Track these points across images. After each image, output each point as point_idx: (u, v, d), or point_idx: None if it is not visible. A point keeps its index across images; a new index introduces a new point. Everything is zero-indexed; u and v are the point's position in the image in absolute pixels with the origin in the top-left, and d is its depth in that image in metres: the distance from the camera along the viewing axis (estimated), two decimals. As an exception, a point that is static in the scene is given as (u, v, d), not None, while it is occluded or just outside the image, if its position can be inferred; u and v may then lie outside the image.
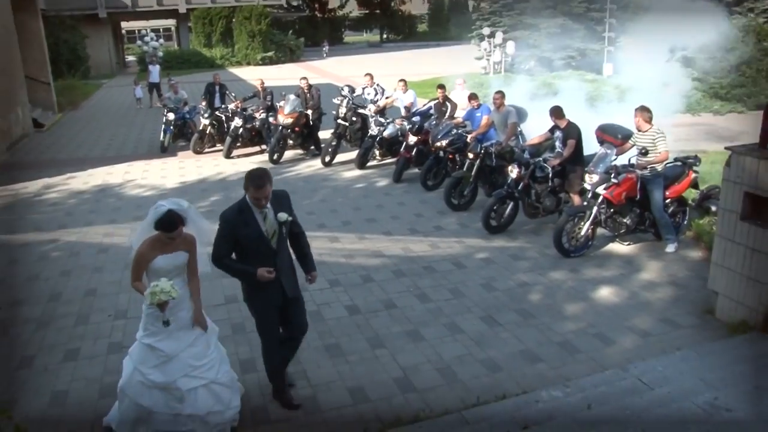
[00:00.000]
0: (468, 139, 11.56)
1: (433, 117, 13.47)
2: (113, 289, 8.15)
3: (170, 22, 59.13)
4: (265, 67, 40.65)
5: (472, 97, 12.44)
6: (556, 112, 9.64)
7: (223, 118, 16.17)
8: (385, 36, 68.43)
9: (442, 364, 6.03)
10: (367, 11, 68.88)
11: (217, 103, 16.82)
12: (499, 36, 30.88)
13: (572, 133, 9.47)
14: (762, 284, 6.04)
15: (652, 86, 17.11)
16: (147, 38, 40.34)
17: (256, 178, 4.76)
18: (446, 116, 13.17)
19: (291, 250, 5.24)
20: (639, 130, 8.82)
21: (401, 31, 68.58)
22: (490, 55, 31.97)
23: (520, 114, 11.87)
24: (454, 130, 12.12)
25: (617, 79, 23.21)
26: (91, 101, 29.04)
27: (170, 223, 4.66)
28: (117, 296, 7.92)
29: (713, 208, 9.55)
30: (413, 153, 12.99)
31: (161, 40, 43.99)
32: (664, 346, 6.10)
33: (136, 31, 63.89)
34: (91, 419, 5.36)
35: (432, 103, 13.78)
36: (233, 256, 5.00)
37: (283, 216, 4.91)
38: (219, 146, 16.36)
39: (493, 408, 4.98)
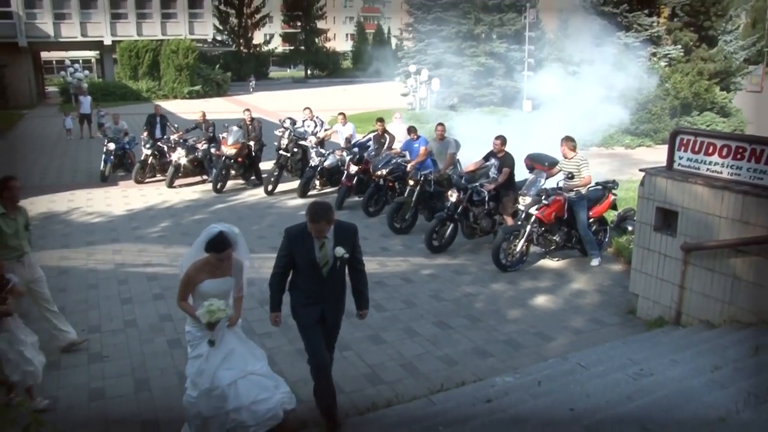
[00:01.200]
0: (408, 168, 12.45)
1: (371, 148, 14.31)
2: (81, 307, 8.47)
3: (91, 54, 58.38)
4: (192, 101, 40.79)
5: (411, 130, 13.42)
6: (502, 140, 10.60)
7: (165, 148, 16.58)
8: (309, 72, 69.53)
9: (404, 361, 6.77)
10: (291, 47, 69.99)
11: (157, 134, 17.19)
12: (424, 73, 32.27)
13: (508, 161, 10.49)
14: (673, 285, 7.11)
15: (567, 121, 18.58)
16: (71, 69, 39.92)
17: (311, 212, 4.88)
18: (385, 147, 14.05)
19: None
20: (565, 158, 9.91)
21: (325, 68, 69.90)
22: (416, 92, 33.34)
23: (457, 145, 12.88)
24: (394, 160, 13.02)
25: (535, 115, 24.83)
26: (15, 131, 28.61)
27: (221, 244, 4.87)
28: (86, 313, 8.26)
29: (630, 228, 10.73)
30: (354, 182, 13.76)
31: (86, 72, 43.54)
32: (594, 340, 7.06)
33: (54, 62, 62.90)
34: (83, 422, 5.76)
35: (371, 135, 14.64)
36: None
37: (340, 251, 4.97)
38: (159, 176, 16.72)
39: (456, 392, 5.73)
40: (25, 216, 6.80)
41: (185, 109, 33.48)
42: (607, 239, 10.46)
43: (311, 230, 4.89)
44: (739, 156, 6.51)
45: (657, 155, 19.02)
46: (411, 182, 11.97)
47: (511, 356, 6.82)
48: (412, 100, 33.72)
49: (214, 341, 4.86)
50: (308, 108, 16.33)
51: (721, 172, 6.67)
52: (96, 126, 25.14)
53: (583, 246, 10.01)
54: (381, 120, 14.59)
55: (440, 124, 12.85)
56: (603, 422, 3.90)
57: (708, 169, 6.81)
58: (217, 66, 50.15)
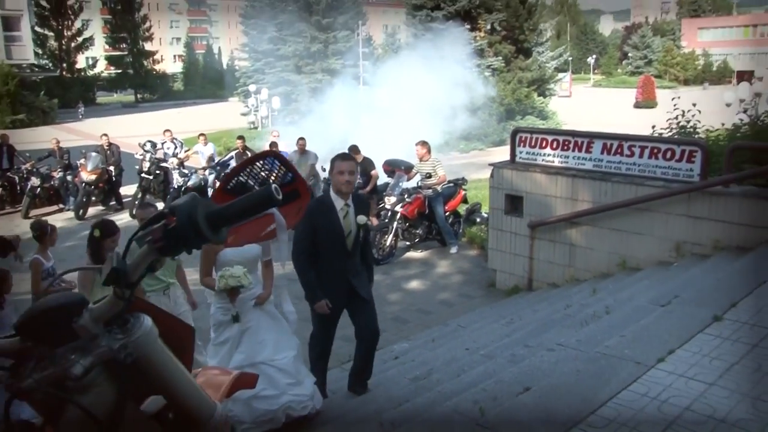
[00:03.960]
0: (273, 181, 13.33)
1: (233, 165, 15.02)
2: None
3: None
4: (17, 131, 38.61)
5: (273, 145, 14.30)
6: (355, 149, 11.77)
7: (16, 179, 16.21)
8: (139, 96, 67.43)
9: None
10: (119, 71, 67.49)
11: (4, 164, 16.72)
12: (264, 92, 33.04)
13: (370, 166, 11.71)
14: (524, 257, 8.62)
15: (402, 129, 20.14)
16: None
17: (341, 154, 4.94)
18: (248, 163, 14.82)
19: None
20: (421, 160, 11.26)
21: (156, 91, 68.00)
22: (257, 111, 34.00)
23: (316, 157, 13.93)
24: (259, 174, 13.85)
25: (372, 124, 26.39)
26: None
27: None
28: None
29: (478, 219, 12.32)
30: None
31: None
32: (466, 310, 8.40)
33: None
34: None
35: (233, 153, 15.35)
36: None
37: (362, 219, 4.89)
38: (9, 208, 16.28)
39: (363, 359, 6.77)
40: None
41: (12, 140, 31.81)
42: (461, 230, 11.95)
43: (342, 172, 4.74)
44: (565, 147, 8.13)
45: (489, 157, 21.18)
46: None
47: (400, 329, 7.96)
48: (254, 119, 34.34)
49: (237, 316, 4.48)
50: (168, 130, 16.70)
51: (554, 161, 8.27)
52: None
53: (442, 237, 11.40)
54: (242, 138, 15.36)
55: (301, 138, 13.88)
56: (494, 351, 5.11)
57: (543, 160, 8.39)
58: (42, 93, 47.59)
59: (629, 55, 79.38)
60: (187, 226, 1.20)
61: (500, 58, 27.68)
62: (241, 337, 4.60)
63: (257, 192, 1.30)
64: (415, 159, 11.51)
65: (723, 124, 10.17)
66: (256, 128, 32.79)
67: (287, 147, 15.65)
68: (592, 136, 8.03)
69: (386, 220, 11.06)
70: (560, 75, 32.90)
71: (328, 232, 4.83)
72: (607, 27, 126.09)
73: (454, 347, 5.86)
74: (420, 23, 28.82)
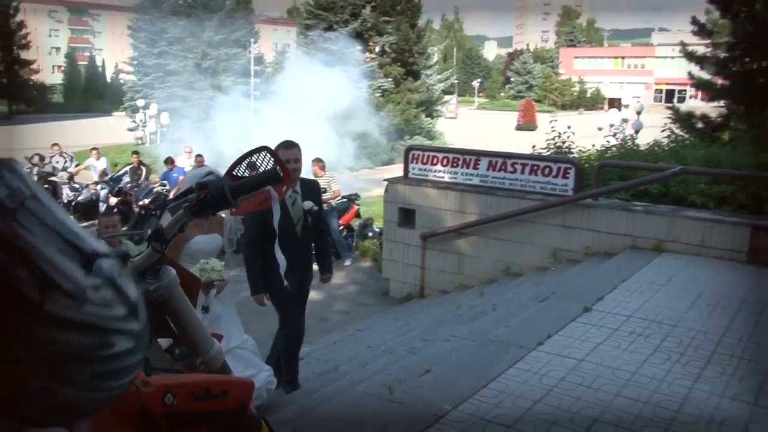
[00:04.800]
0: (170, 196, 13.35)
1: (126, 180, 14.87)
2: None
3: None
4: None
5: (168, 161, 14.31)
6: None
7: None
8: (14, 107, 63.84)
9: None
10: (-10, 80, 63.73)
11: None
12: (153, 107, 32.40)
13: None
14: (416, 266, 9.18)
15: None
16: None
17: (285, 142, 4.78)
18: (142, 178, 14.73)
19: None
20: (316, 176, 11.67)
21: (33, 102, 64.68)
22: (145, 126, 33.26)
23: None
24: (155, 189, 13.82)
25: (264, 142, 26.50)
26: None
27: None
28: None
29: (370, 234, 12.84)
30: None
31: None
32: (362, 316, 8.83)
33: None
34: None
35: (127, 168, 15.20)
36: None
37: (308, 204, 4.90)
38: None
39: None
40: None
41: None
42: (354, 243, 12.43)
43: (287, 160, 4.66)
44: (454, 164, 8.79)
45: (379, 174, 21.87)
46: (177, 208, 12.89)
47: (301, 335, 8.30)
48: (142, 134, 33.56)
49: (207, 307, 4.39)
50: (56, 144, 16.31)
51: (444, 177, 8.91)
52: None
53: (336, 249, 11.81)
54: (136, 153, 15.26)
55: (199, 155, 13.99)
56: (394, 346, 5.58)
57: (434, 176, 9.01)
58: None
59: (512, 79, 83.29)
60: (218, 196, 1.60)
61: (390, 79, 28.62)
62: (211, 326, 4.32)
63: (266, 171, 1.72)
64: (310, 175, 11.91)
65: (593, 145, 11.27)
66: (143, 144, 32.06)
67: (184, 162, 15.67)
68: (478, 154, 8.74)
69: (284, 234, 11.37)
70: (447, 97, 34.37)
71: (278, 220, 4.52)
72: (491, 52, 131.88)
73: (355, 347, 6.29)
74: (312, 43, 29.29)
